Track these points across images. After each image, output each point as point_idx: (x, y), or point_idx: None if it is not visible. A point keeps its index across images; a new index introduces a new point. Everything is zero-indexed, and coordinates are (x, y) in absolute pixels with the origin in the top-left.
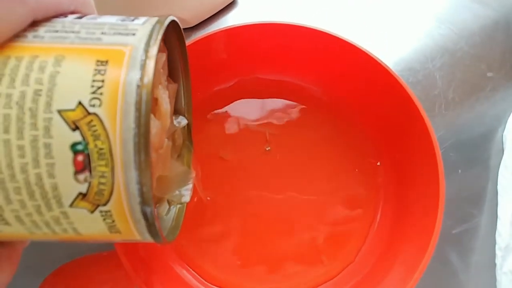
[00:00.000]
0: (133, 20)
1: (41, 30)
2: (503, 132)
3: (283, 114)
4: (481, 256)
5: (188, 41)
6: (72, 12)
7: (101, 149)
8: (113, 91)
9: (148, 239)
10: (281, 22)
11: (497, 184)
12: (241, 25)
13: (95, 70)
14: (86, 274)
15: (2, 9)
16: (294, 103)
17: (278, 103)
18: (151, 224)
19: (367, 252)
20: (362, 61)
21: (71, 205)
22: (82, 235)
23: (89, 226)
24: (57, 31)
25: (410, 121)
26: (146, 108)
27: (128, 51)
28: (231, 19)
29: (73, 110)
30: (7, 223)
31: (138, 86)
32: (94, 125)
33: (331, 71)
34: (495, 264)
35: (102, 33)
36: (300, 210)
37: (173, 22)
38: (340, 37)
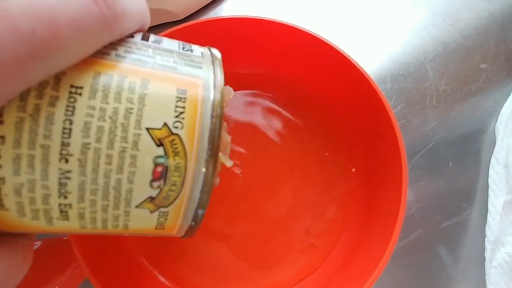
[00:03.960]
0: (191, 51)
1: (121, 50)
2: (495, 124)
3: (258, 117)
4: (471, 250)
5: (162, 33)
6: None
7: (178, 163)
8: (192, 118)
9: (179, 235)
10: (260, 18)
11: (488, 178)
12: (218, 18)
13: (177, 97)
14: (44, 258)
15: (90, 36)
16: (271, 105)
17: (253, 102)
18: (196, 224)
19: (336, 256)
20: (342, 66)
21: (137, 206)
22: (128, 230)
23: (141, 223)
24: (135, 53)
25: (382, 129)
26: (217, 134)
27: (201, 84)
28: (220, 13)
29: (159, 129)
30: (66, 219)
31: (212, 116)
32: (176, 144)
33: (309, 72)
34: (484, 258)
35: (174, 62)
36: (277, 212)
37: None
38: (319, 37)
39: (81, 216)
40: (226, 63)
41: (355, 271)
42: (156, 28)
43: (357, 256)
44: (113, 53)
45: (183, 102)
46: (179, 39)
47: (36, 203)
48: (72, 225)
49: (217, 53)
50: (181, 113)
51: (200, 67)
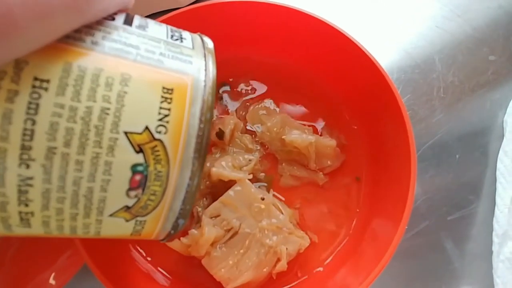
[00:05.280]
0: (181, 40)
1: (98, 36)
2: (503, 117)
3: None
4: (477, 243)
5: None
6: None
7: (159, 172)
8: (178, 122)
9: (157, 239)
10: (267, 2)
11: (495, 170)
12: (222, 1)
13: (162, 97)
14: (41, 242)
15: (54, 19)
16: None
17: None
18: (176, 232)
19: (342, 248)
20: (352, 54)
21: (111, 215)
22: (100, 235)
23: (115, 230)
24: (115, 41)
25: (391, 120)
26: (206, 141)
27: (190, 82)
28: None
29: (139, 133)
30: (28, 226)
31: (201, 121)
32: (158, 150)
33: (318, 58)
34: (491, 252)
35: (161, 54)
36: None
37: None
38: (329, 23)
39: (46, 224)
40: (228, 48)
41: (360, 262)
42: (158, 15)
43: (364, 247)
44: (88, 39)
45: (169, 103)
46: (181, 24)
47: None
48: (35, 231)
49: (209, 42)
50: (166, 116)
51: (190, 62)
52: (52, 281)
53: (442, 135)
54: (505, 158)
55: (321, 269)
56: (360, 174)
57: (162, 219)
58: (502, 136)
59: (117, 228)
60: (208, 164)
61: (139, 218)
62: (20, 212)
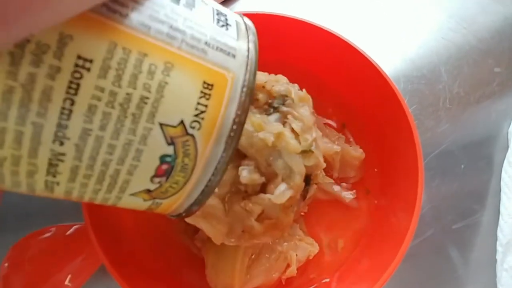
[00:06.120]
0: (226, 28)
1: (145, 14)
2: (508, 128)
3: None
4: (482, 251)
5: None
6: None
7: (186, 164)
8: (213, 119)
9: (167, 215)
10: (277, 14)
11: (500, 180)
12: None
13: (202, 92)
14: (58, 244)
15: None
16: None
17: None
18: (187, 215)
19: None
20: (364, 68)
21: (131, 194)
22: (117, 205)
23: (131, 205)
24: (162, 23)
25: (399, 131)
26: (235, 141)
27: (231, 80)
28: (237, 8)
29: (174, 126)
30: (51, 192)
31: (235, 122)
32: (188, 145)
33: (326, 70)
34: (495, 260)
35: (206, 43)
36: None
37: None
38: (338, 35)
39: (68, 193)
40: None
41: (367, 270)
42: None
43: (371, 256)
44: (135, 18)
45: (207, 99)
46: None
47: (19, 176)
48: (55, 196)
49: (252, 28)
50: (202, 112)
51: (234, 55)
52: (68, 283)
53: (447, 145)
54: (509, 169)
55: (327, 280)
56: (369, 184)
57: (177, 204)
58: (507, 146)
59: (134, 204)
60: None
61: (157, 200)
62: (46, 181)
